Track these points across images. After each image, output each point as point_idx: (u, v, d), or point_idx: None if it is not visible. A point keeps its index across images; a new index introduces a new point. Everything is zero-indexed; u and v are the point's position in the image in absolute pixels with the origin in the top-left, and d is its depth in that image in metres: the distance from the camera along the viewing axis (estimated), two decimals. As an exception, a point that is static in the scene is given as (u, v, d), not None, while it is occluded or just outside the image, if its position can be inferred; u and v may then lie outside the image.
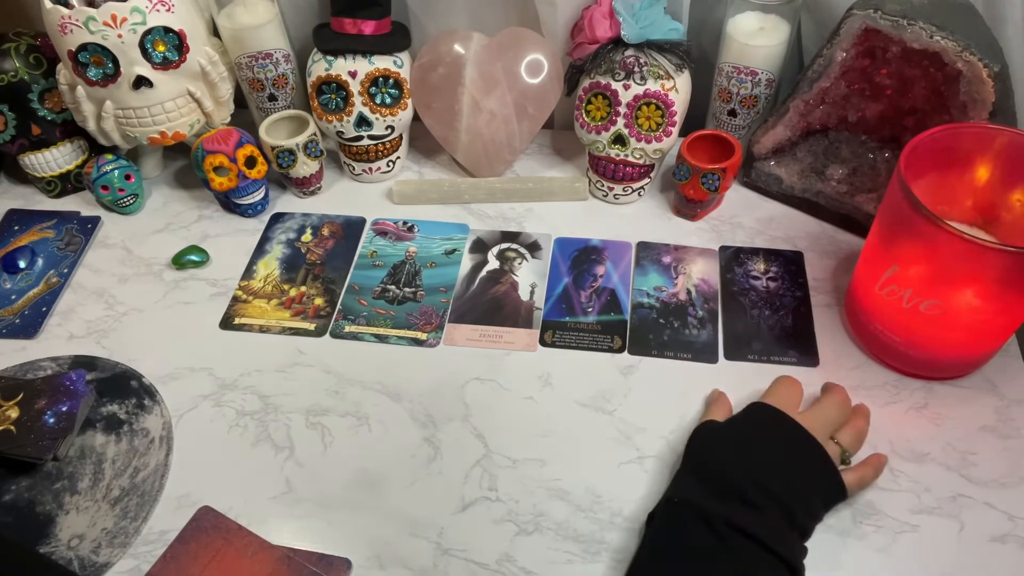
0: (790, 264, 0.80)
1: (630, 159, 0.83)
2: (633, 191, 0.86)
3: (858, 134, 0.81)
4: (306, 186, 0.89)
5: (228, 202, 0.87)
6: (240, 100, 0.91)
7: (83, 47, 0.75)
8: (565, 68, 0.85)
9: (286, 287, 0.81)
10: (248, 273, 0.82)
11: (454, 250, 0.83)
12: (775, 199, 0.86)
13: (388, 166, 0.91)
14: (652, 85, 0.79)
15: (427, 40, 0.88)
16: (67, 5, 0.75)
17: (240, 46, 0.85)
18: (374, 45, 0.84)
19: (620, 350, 0.73)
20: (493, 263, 0.82)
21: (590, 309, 0.77)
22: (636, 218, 0.86)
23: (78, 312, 0.79)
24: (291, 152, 0.85)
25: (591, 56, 0.80)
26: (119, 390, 0.71)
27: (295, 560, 0.59)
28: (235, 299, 0.80)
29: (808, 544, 0.55)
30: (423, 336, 0.75)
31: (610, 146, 0.82)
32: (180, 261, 0.82)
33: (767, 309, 0.75)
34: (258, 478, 0.65)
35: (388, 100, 0.86)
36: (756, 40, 0.79)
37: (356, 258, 0.83)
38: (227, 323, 0.78)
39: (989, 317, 0.62)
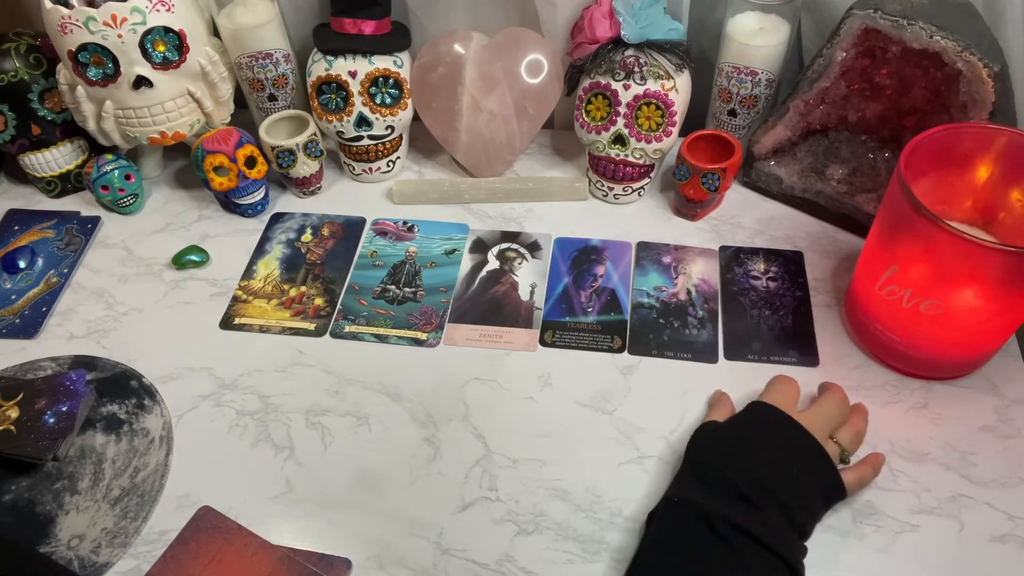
0: (790, 264, 0.80)
1: (630, 159, 0.83)
2: (633, 191, 0.86)
3: (858, 134, 0.81)
4: (306, 186, 0.89)
5: (228, 202, 0.87)
6: (240, 100, 0.91)
7: (83, 47, 0.75)
8: (565, 68, 0.85)
9: (286, 287, 0.81)
10: (248, 273, 0.82)
11: (454, 250, 0.83)
12: (775, 199, 0.86)
13: (388, 166, 0.91)
14: (652, 85, 0.79)
15: (427, 40, 0.88)
16: (67, 5, 0.75)
17: (240, 46, 0.85)
18: (374, 45, 0.84)
19: (620, 350, 0.73)
20: (493, 263, 0.82)
21: (590, 309, 0.77)
22: (636, 218, 0.86)
23: (78, 312, 0.79)
24: (291, 152, 0.85)
25: (591, 56, 0.80)
26: (119, 390, 0.71)
27: (295, 560, 0.59)
28: (235, 299, 0.80)
29: (808, 544, 0.55)
30: (423, 336, 0.75)
31: (610, 146, 0.82)
32: (180, 261, 0.82)
33: (767, 309, 0.75)
34: (258, 478, 0.65)
35: (388, 100, 0.86)
36: (756, 40, 0.79)
37: (356, 258, 0.83)
38: (227, 323, 0.78)
39: (989, 317, 0.62)
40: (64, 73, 0.81)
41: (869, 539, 0.59)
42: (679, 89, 0.79)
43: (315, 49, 0.85)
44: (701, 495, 0.55)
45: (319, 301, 0.79)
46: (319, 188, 0.91)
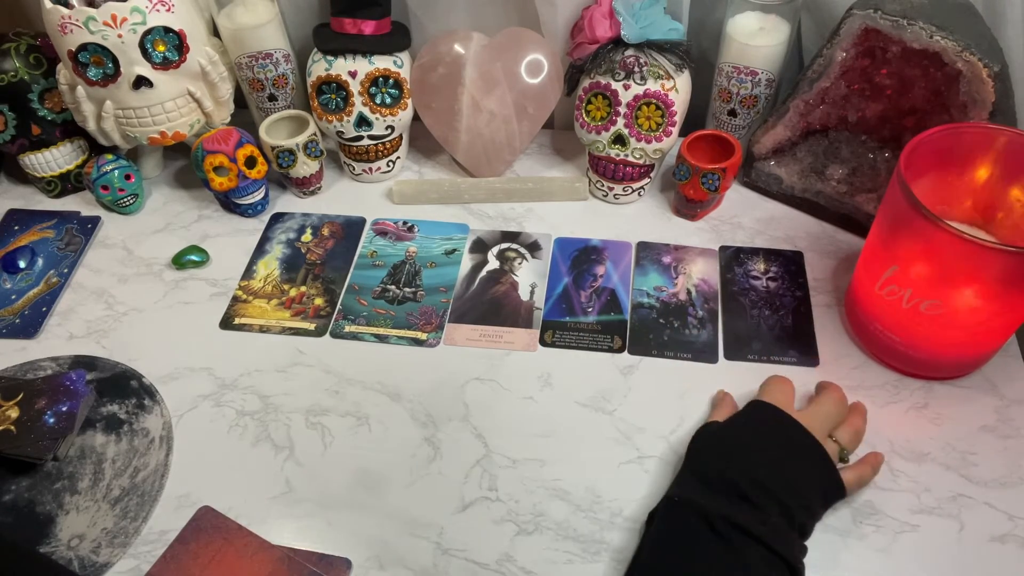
0: (790, 264, 0.80)
1: (630, 159, 0.83)
2: (633, 191, 0.86)
3: (858, 134, 0.81)
4: (306, 186, 0.89)
5: (228, 202, 0.87)
6: (240, 100, 0.91)
7: (83, 47, 0.75)
8: (565, 68, 0.85)
9: (286, 287, 0.81)
10: (248, 273, 0.82)
11: (454, 250, 0.83)
12: (775, 199, 0.86)
13: (388, 166, 0.91)
14: (652, 85, 0.79)
15: (427, 40, 0.88)
16: (67, 5, 0.75)
17: (240, 46, 0.85)
18: (374, 45, 0.84)
19: (620, 350, 0.73)
20: (493, 263, 0.82)
21: (590, 309, 0.77)
22: (636, 218, 0.86)
23: (78, 312, 0.79)
24: (291, 152, 0.85)
25: (591, 56, 0.80)
26: (119, 390, 0.71)
27: (295, 560, 0.59)
28: (235, 299, 0.80)
29: (808, 544, 0.55)
30: (423, 336, 0.75)
31: (610, 146, 0.82)
32: (180, 261, 0.82)
33: (767, 309, 0.75)
34: (258, 478, 0.65)
35: (388, 100, 0.86)
36: (756, 40, 0.79)
37: (356, 258, 0.83)
38: (227, 323, 0.78)
39: (989, 317, 0.62)
40: (64, 73, 0.81)
41: (869, 539, 0.59)
42: (679, 89, 0.79)
43: (315, 49, 0.85)
44: (702, 494, 0.55)
45: (319, 301, 0.79)
46: (319, 188, 0.91)
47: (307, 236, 0.86)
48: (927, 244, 0.59)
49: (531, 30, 0.85)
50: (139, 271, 0.83)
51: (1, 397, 0.65)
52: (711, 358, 0.72)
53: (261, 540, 0.60)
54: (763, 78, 0.81)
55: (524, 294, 0.78)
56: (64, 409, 0.64)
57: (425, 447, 0.66)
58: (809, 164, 0.83)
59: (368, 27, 0.83)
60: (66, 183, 0.91)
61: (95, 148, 0.91)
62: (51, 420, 0.64)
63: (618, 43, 0.79)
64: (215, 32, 0.86)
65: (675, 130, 0.81)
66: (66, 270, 0.83)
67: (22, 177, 0.93)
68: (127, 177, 0.87)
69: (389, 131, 0.88)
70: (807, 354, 0.72)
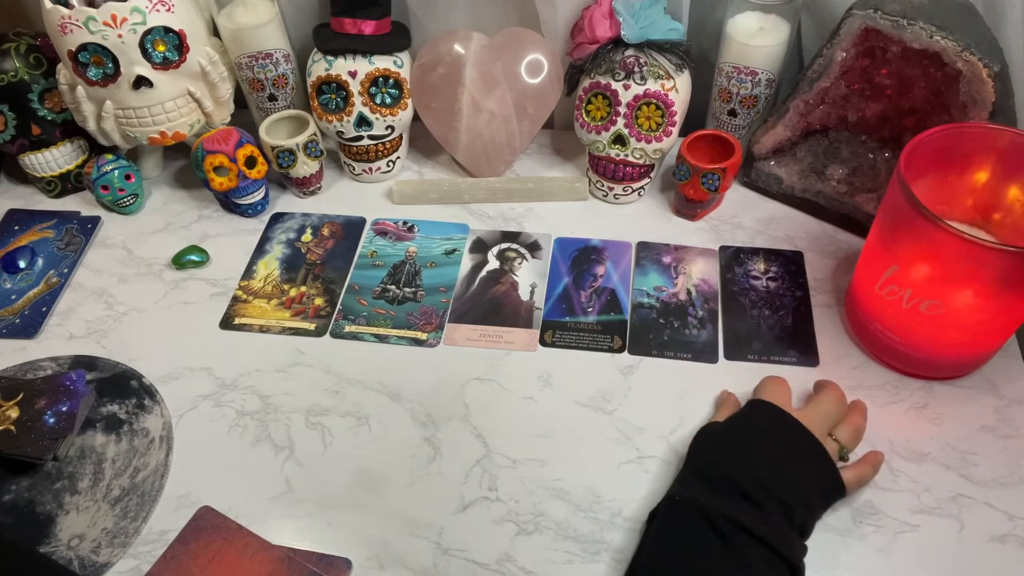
0: (790, 264, 0.80)
1: (630, 159, 0.83)
2: (633, 191, 0.86)
3: (858, 134, 0.81)
4: (306, 186, 0.89)
5: (228, 202, 0.87)
6: (240, 100, 0.91)
7: (83, 47, 0.75)
8: (565, 68, 0.85)
9: (286, 287, 0.81)
10: (248, 273, 0.82)
11: (454, 250, 0.83)
12: (775, 199, 0.86)
13: (388, 166, 0.91)
14: (652, 85, 0.79)
15: (427, 40, 0.88)
16: (67, 5, 0.75)
17: (240, 46, 0.85)
18: (374, 45, 0.84)
19: (620, 350, 0.73)
20: (493, 263, 0.82)
21: (590, 309, 0.77)
22: (636, 218, 0.86)
23: (78, 312, 0.79)
24: (291, 152, 0.85)
25: (591, 56, 0.80)
26: (119, 390, 0.71)
27: (295, 560, 0.59)
28: (235, 299, 0.80)
29: (808, 544, 0.55)
30: (423, 336, 0.75)
31: (610, 146, 0.82)
32: (180, 261, 0.82)
33: (767, 309, 0.75)
34: (258, 478, 0.65)
35: (388, 100, 0.86)
36: (756, 40, 0.79)
37: (356, 258, 0.83)
38: (227, 323, 0.78)
39: (989, 317, 0.62)
40: (64, 73, 0.81)
41: (869, 539, 0.59)
42: (679, 89, 0.79)
43: (315, 49, 0.85)
44: (703, 493, 0.55)
45: (319, 301, 0.79)
46: (319, 188, 0.91)
47: (307, 236, 0.86)
48: (927, 244, 0.59)
49: (531, 30, 0.85)
50: (139, 271, 0.83)
51: (1, 397, 0.65)
52: (711, 358, 0.72)
53: (261, 540, 0.60)
54: (763, 78, 0.81)
55: (524, 294, 0.78)
56: (64, 409, 0.64)
57: (425, 447, 0.66)
58: (809, 164, 0.83)
59: (368, 27, 0.83)
60: (66, 183, 0.91)
61: (95, 148, 0.91)
62: (51, 420, 0.64)
63: (618, 43, 0.79)
64: (215, 32, 0.86)
65: (675, 130, 0.81)
66: (66, 270, 0.83)
67: (22, 177, 0.93)
68: (127, 177, 0.87)
69: (389, 131, 0.88)
70: (807, 354, 0.72)
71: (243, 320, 0.78)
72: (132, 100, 0.80)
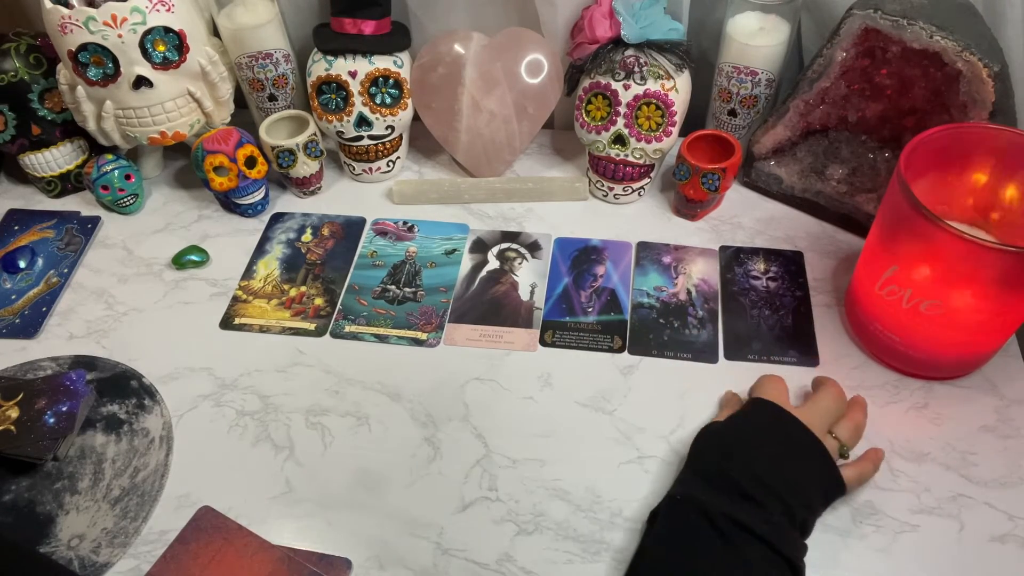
0: (790, 264, 0.80)
1: (630, 159, 0.83)
2: (633, 191, 0.86)
3: (858, 134, 0.81)
4: (306, 186, 0.89)
5: (228, 202, 0.87)
6: (240, 100, 0.91)
7: (83, 47, 0.75)
8: (565, 68, 0.85)
9: (286, 287, 0.81)
10: (248, 273, 0.82)
11: (454, 250, 0.83)
12: (775, 199, 0.86)
13: (388, 166, 0.91)
14: (652, 85, 0.79)
15: (427, 40, 0.88)
16: (67, 5, 0.75)
17: (240, 46, 0.85)
18: (374, 45, 0.84)
19: (620, 350, 0.73)
20: (493, 263, 0.82)
21: (590, 309, 0.77)
22: (636, 218, 0.86)
23: (78, 312, 0.79)
24: (291, 152, 0.85)
25: (591, 56, 0.80)
26: (119, 390, 0.71)
27: (295, 560, 0.59)
28: (235, 299, 0.80)
29: (808, 543, 0.55)
30: (423, 336, 0.75)
31: (610, 146, 0.82)
32: (180, 261, 0.82)
33: (767, 309, 0.75)
34: (258, 478, 0.65)
35: (388, 100, 0.86)
36: (756, 40, 0.79)
37: (356, 258, 0.83)
38: (227, 323, 0.78)
39: (989, 317, 0.62)
40: (64, 73, 0.81)
41: (869, 539, 0.59)
42: (679, 89, 0.79)
43: (315, 49, 0.85)
44: (703, 492, 0.55)
45: (319, 301, 0.79)
46: (319, 188, 0.91)
47: (307, 236, 0.86)
48: (927, 244, 0.59)
49: (531, 30, 0.85)
50: (139, 271, 0.83)
51: (1, 397, 0.65)
52: (711, 358, 0.72)
53: (261, 540, 0.60)
54: (763, 78, 0.81)
55: (524, 294, 0.78)
56: (64, 409, 0.64)
57: (425, 447, 0.66)
58: (809, 164, 0.83)
59: (368, 27, 0.83)
60: (66, 183, 0.91)
61: (95, 148, 0.91)
62: (51, 420, 0.64)
63: (618, 43, 0.79)
64: (215, 32, 0.86)
65: (675, 130, 0.81)
66: (66, 270, 0.83)
67: (22, 177, 0.93)
68: (127, 177, 0.87)
69: (389, 131, 0.88)
70: (807, 354, 0.72)
71: (243, 320, 0.78)
72: (132, 100, 0.80)
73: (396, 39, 0.86)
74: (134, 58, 0.77)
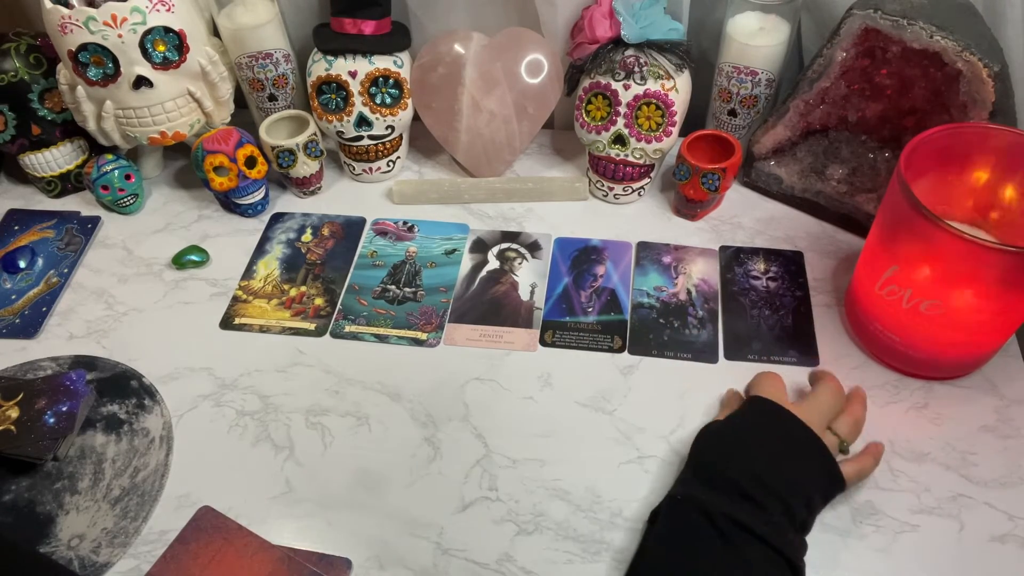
0: (790, 264, 0.80)
1: (630, 159, 0.83)
2: (633, 191, 0.86)
3: (858, 134, 0.81)
4: (306, 186, 0.89)
5: (228, 202, 0.87)
6: (240, 100, 0.91)
7: (83, 47, 0.75)
8: (565, 68, 0.85)
9: (286, 287, 0.81)
10: (248, 273, 0.82)
11: (454, 250, 0.83)
12: (775, 199, 0.86)
13: (388, 166, 0.91)
14: (652, 85, 0.79)
15: (427, 40, 0.88)
16: (67, 5, 0.75)
17: (240, 46, 0.85)
18: (374, 45, 0.84)
19: (620, 350, 0.73)
20: (493, 263, 0.82)
21: (590, 309, 0.77)
22: (636, 218, 0.86)
23: (78, 312, 0.79)
24: (291, 152, 0.85)
25: (591, 56, 0.80)
26: (119, 390, 0.71)
27: (295, 560, 0.59)
28: (235, 299, 0.80)
29: (808, 543, 0.55)
30: (423, 336, 0.75)
31: (610, 146, 0.82)
32: (180, 261, 0.82)
33: (767, 309, 0.75)
34: (258, 478, 0.65)
35: (388, 100, 0.86)
36: (756, 40, 0.79)
37: (356, 258, 0.83)
38: (227, 323, 0.78)
39: (989, 317, 0.62)
40: (64, 73, 0.81)
41: (869, 539, 0.59)
42: (679, 89, 0.79)
43: (315, 49, 0.85)
44: (703, 492, 0.55)
45: (319, 301, 0.79)
46: (319, 188, 0.91)
47: (307, 236, 0.86)
48: (927, 244, 0.59)
49: (531, 30, 0.85)
50: (139, 271, 0.83)
51: (1, 397, 0.65)
52: (711, 358, 0.72)
53: (261, 540, 0.60)
54: (763, 78, 0.81)
55: (524, 294, 0.78)
56: (64, 409, 0.64)
57: (425, 447, 0.66)
58: (809, 164, 0.83)
59: (368, 27, 0.83)
60: (66, 183, 0.91)
61: (95, 148, 0.91)
62: (51, 420, 0.64)
63: (618, 43, 0.79)
64: (215, 32, 0.86)
65: (675, 130, 0.81)
66: (66, 270, 0.83)
67: (22, 177, 0.93)
68: (127, 177, 0.87)
69: (389, 131, 0.88)
70: (807, 354, 0.72)
71: (243, 320, 0.78)
72: (132, 100, 0.80)
73: (396, 39, 0.86)
74: (134, 58, 0.77)
